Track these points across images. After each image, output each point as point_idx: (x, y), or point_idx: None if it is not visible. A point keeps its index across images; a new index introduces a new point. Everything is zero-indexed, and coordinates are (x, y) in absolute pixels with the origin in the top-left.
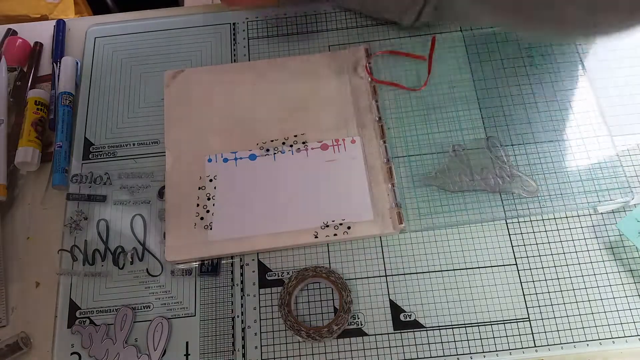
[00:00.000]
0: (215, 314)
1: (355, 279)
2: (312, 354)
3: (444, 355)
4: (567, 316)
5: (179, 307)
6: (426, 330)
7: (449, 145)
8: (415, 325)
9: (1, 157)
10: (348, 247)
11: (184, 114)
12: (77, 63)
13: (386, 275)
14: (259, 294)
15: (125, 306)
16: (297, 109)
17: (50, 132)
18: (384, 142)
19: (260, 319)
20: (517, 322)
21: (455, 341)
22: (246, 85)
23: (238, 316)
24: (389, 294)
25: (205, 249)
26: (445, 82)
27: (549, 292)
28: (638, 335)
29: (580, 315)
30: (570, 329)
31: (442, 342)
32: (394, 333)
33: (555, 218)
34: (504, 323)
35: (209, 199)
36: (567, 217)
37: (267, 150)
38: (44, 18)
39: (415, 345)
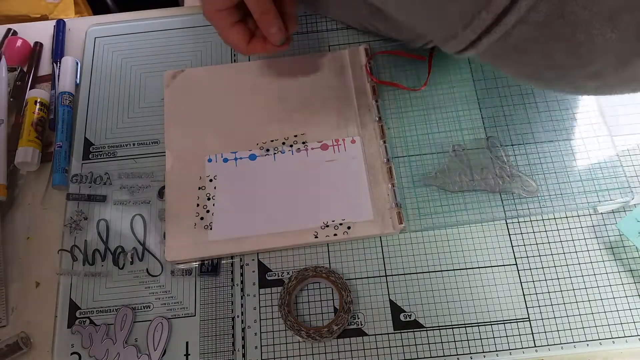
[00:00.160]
0: (215, 314)
1: (355, 279)
2: (312, 354)
3: (444, 355)
4: (567, 316)
5: (179, 307)
6: (426, 330)
7: (449, 145)
8: (415, 325)
9: (1, 157)
10: (348, 247)
11: (184, 114)
12: (77, 63)
13: (386, 275)
14: (259, 294)
15: (125, 306)
16: (297, 109)
17: (50, 132)
18: (384, 142)
19: (260, 319)
20: (517, 322)
21: (455, 341)
22: (246, 85)
23: (238, 316)
24: (389, 294)
25: (205, 249)
26: (445, 82)
27: (549, 292)
28: (638, 335)
29: (580, 315)
30: (570, 329)
31: (442, 342)
32: (394, 333)
33: (555, 218)
34: (504, 323)
35: (209, 199)
36: (567, 217)
37: (267, 150)
38: (44, 18)
39: (415, 345)
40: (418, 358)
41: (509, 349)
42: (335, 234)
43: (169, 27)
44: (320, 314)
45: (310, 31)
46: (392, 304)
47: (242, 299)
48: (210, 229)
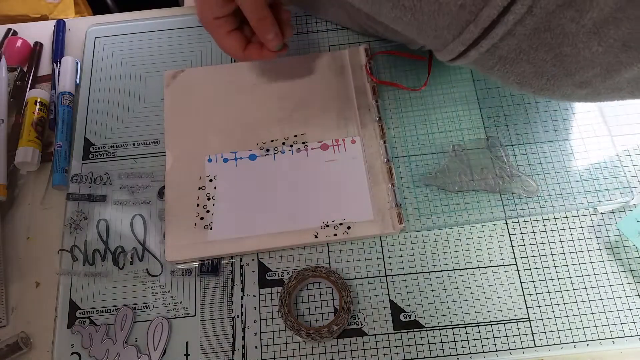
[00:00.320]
0: (215, 314)
1: (355, 279)
2: (312, 354)
3: (444, 355)
4: (567, 316)
5: (179, 307)
6: (426, 330)
7: (449, 145)
8: (415, 325)
9: (1, 157)
10: (348, 247)
11: (184, 114)
12: (77, 63)
13: (386, 275)
14: (259, 294)
15: (125, 306)
16: (297, 109)
17: (50, 132)
18: (384, 142)
19: (260, 319)
20: (517, 322)
21: (455, 341)
22: (246, 85)
23: (238, 316)
24: (389, 294)
25: (205, 249)
26: (445, 82)
27: (549, 292)
28: (638, 335)
29: (580, 315)
30: (570, 329)
31: (442, 342)
32: (394, 333)
33: (555, 218)
34: (504, 323)
35: (209, 199)
36: (567, 217)
37: (267, 150)
38: (44, 18)
39: (415, 345)
40: (418, 358)
41: (509, 349)
42: (335, 234)
43: (169, 27)
44: (320, 314)
45: (310, 31)
46: (392, 304)
47: (242, 299)
48: (210, 229)
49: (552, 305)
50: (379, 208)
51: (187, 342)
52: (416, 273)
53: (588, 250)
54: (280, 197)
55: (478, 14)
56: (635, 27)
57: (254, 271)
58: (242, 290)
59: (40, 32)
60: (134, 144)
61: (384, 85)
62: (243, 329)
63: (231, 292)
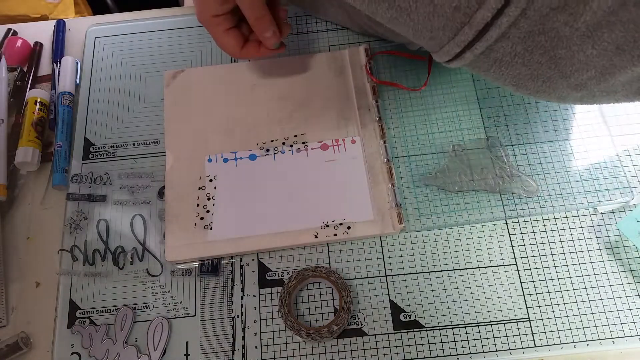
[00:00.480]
0: (215, 314)
1: (355, 279)
2: (312, 354)
3: (444, 355)
4: (567, 316)
5: (179, 307)
6: (426, 330)
7: (449, 145)
8: (415, 325)
9: (1, 157)
10: (348, 247)
11: (184, 114)
12: (77, 63)
13: (386, 275)
14: (259, 294)
15: (125, 306)
16: (297, 109)
17: (50, 132)
18: (384, 142)
19: (260, 319)
20: (517, 322)
21: (455, 341)
22: (246, 85)
23: (238, 316)
24: (389, 294)
25: (205, 249)
26: (445, 82)
27: (549, 292)
28: (638, 335)
29: (580, 315)
30: (570, 329)
31: (442, 342)
32: (394, 333)
33: (555, 218)
34: (504, 323)
35: (209, 199)
36: (567, 217)
37: (267, 150)
38: (44, 18)
39: (415, 345)
40: (418, 358)
41: (509, 349)
42: (335, 234)
43: (169, 27)
44: (320, 314)
45: (310, 31)
46: (392, 304)
47: (242, 299)
48: (210, 229)
49: (552, 305)
50: (379, 208)
51: (187, 342)
52: (416, 273)
53: (588, 250)
54: (280, 197)
55: (472, 16)
56: (628, 31)
57: (254, 271)
58: (242, 290)
59: (40, 32)
60: (134, 144)
61: (384, 85)
62: (243, 329)
63: (231, 292)
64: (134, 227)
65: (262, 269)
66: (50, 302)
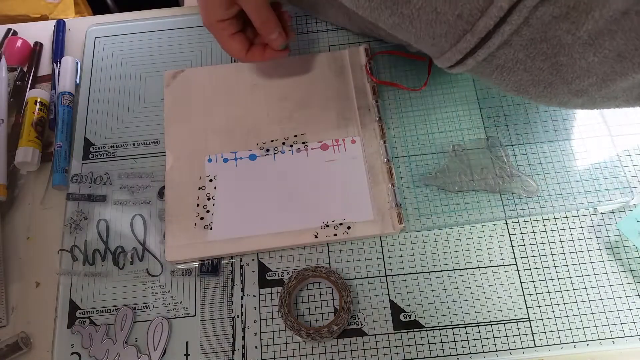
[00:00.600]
0: (215, 314)
1: (355, 279)
2: (312, 354)
3: (444, 355)
4: (567, 316)
5: (179, 307)
6: (426, 330)
7: (449, 145)
8: (415, 325)
9: (1, 157)
10: (348, 247)
11: (184, 114)
12: (77, 63)
13: (386, 275)
14: (259, 294)
15: (125, 306)
16: (297, 109)
17: (50, 132)
18: (384, 142)
19: (260, 319)
20: (517, 322)
21: (455, 341)
22: (246, 85)
23: (238, 316)
24: (389, 294)
25: (205, 249)
26: (445, 82)
27: (549, 292)
28: (638, 335)
29: (580, 315)
30: (570, 329)
31: (442, 342)
32: (394, 333)
33: (555, 218)
34: (504, 323)
35: (209, 199)
36: (567, 217)
37: (267, 150)
38: (44, 18)
39: (415, 345)
40: (418, 358)
41: (509, 349)
42: (335, 234)
43: (169, 27)
44: (320, 314)
45: (310, 31)
46: (392, 304)
47: (242, 299)
48: (210, 229)
49: (552, 305)
50: (379, 208)
51: (187, 342)
52: (416, 273)
53: (588, 250)
54: (280, 197)
55: (475, 24)
56: (629, 39)
57: (254, 271)
58: (242, 290)
59: (40, 32)
60: (134, 144)
61: (384, 85)
62: (243, 329)
63: (231, 292)
64: (134, 227)
65: (262, 269)
66: (50, 302)
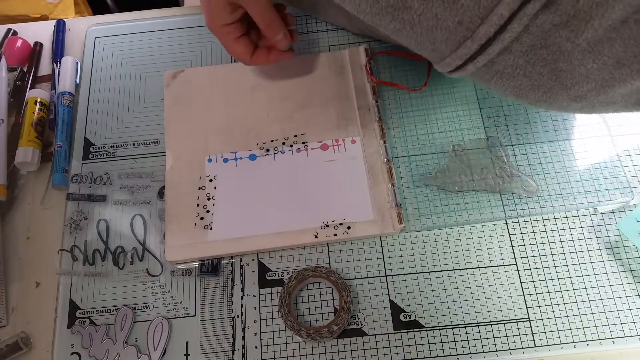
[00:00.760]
0: (215, 314)
1: (355, 279)
2: (312, 354)
3: (444, 355)
4: (567, 316)
5: (179, 307)
6: (426, 330)
7: (449, 145)
8: (415, 325)
9: (1, 157)
10: (348, 247)
11: (184, 114)
12: (77, 63)
13: (386, 275)
14: (259, 294)
15: (125, 306)
16: (297, 109)
17: (50, 132)
18: (384, 142)
19: (260, 319)
20: (517, 322)
21: (455, 341)
22: (246, 85)
23: (238, 316)
24: (389, 294)
25: (205, 249)
26: (445, 82)
27: (549, 292)
28: (638, 335)
29: (580, 315)
30: (570, 329)
31: (442, 342)
32: (394, 333)
33: (555, 218)
34: (504, 323)
35: (209, 199)
36: (567, 217)
37: (267, 150)
38: (44, 18)
39: (415, 345)
40: (418, 358)
41: (509, 349)
42: (335, 234)
43: (169, 27)
44: (320, 314)
45: (310, 31)
46: (392, 304)
47: (242, 299)
48: (210, 229)
49: (552, 305)
50: (379, 208)
51: (187, 342)
52: (416, 273)
53: (588, 250)
54: (280, 197)
55: (475, 31)
56: (628, 46)
57: (254, 271)
58: (242, 290)
59: (40, 32)
60: (134, 144)
61: (384, 85)
62: (243, 329)
63: (231, 292)
64: (134, 227)
65: (262, 269)
66: (50, 302)
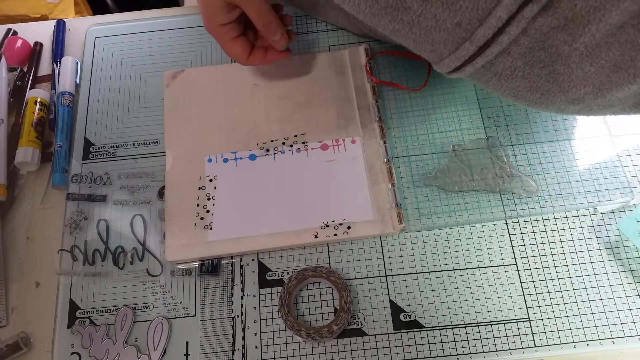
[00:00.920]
0: (215, 314)
1: (355, 279)
2: (312, 354)
3: (444, 355)
4: (567, 316)
5: (179, 307)
6: (426, 330)
7: (449, 145)
8: (415, 325)
9: (1, 157)
10: (348, 247)
11: (184, 114)
12: (77, 63)
13: (386, 275)
14: (259, 294)
15: (125, 306)
16: (297, 109)
17: (50, 132)
18: (384, 142)
19: (260, 319)
20: (517, 322)
21: (455, 341)
22: (246, 85)
23: (238, 316)
24: (389, 294)
25: (205, 249)
26: (445, 82)
27: (549, 292)
28: (638, 335)
29: (580, 315)
30: (570, 329)
31: (442, 342)
32: (394, 333)
33: (555, 218)
34: (504, 323)
35: (209, 199)
36: (567, 217)
37: (267, 150)
38: (44, 18)
39: (415, 345)
40: (418, 358)
41: (509, 349)
42: (335, 234)
43: (169, 27)
44: (320, 314)
45: (310, 31)
46: (392, 304)
47: (242, 299)
48: (210, 229)
49: (552, 305)
50: (379, 208)
51: (187, 342)
52: (416, 273)
53: (588, 250)
54: (280, 197)
55: (473, 33)
56: (625, 51)
57: (254, 271)
58: (242, 290)
59: (40, 32)
60: (134, 144)
61: (384, 85)
62: (243, 329)
63: (231, 292)
64: (134, 227)
65: (262, 269)
66: (50, 302)
